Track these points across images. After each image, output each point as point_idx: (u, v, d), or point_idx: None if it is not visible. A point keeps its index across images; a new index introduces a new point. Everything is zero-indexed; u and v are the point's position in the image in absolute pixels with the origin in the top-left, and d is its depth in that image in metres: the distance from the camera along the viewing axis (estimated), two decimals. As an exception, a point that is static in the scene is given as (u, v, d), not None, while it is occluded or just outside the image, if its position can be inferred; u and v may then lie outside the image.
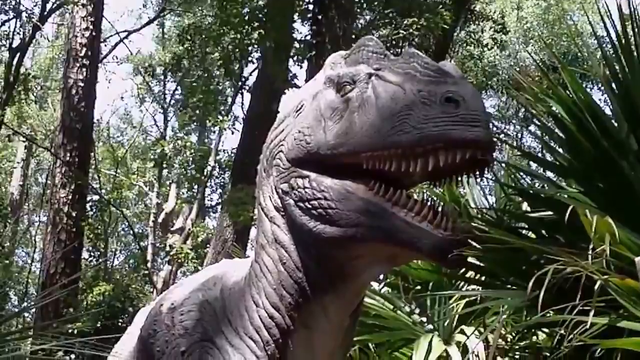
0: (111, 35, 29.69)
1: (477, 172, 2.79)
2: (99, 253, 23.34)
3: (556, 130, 4.82)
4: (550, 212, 4.62)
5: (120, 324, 14.63)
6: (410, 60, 2.86)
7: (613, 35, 4.63)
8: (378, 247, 2.94)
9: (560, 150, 4.89)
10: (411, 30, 15.10)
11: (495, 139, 2.73)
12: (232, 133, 21.76)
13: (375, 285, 6.25)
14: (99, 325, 13.96)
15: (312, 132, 3.04)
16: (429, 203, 2.83)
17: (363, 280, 3.17)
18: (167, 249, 26.72)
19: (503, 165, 5.71)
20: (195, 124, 29.55)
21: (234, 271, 3.57)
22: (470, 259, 4.86)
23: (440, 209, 2.82)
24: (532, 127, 22.49)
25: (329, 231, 2.92)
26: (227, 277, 3.56)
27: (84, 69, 17.18)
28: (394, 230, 2.78)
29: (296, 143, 3.10)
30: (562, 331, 3.87)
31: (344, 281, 3.09)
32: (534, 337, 5.25)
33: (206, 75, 20.65)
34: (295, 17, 16.35)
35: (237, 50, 16.20)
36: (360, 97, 2.90)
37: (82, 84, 17.07)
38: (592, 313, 3.57)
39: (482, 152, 2.66)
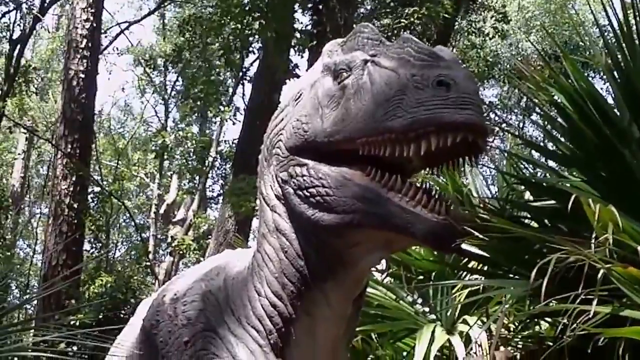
0: (112, 27, 29.65)
1: (472, 156, 2.81)
2: (100, 245, 23.37)
3: (558, 119, 4.82)
4: (552, 201, 4.62)
5: (122, 315, 14.62)
6: (404, 45, 2.88)
7: (615, 23, 4.62)
8: (374, 234, 2.96)
9: (562, 139, 4.89)
10: (412, 20, 15.07)
11: (487, 122, 2.74)
12: (234, 124, 21.86)
13: (377, 275, 6.24)
14: (101, 316, 13.95)
15: (310, 120, 3.07)
16: (424, 187, 2.84)
17: (362, 267, 3.18)
18: (169, 240, 26.71)
19: (505, 154, 5.70)
20: (196, 114, 29.49)
21: (237, 261, 3.59)
22: (472, 249, 4.88)
23: (435, 193, 2.83)
24: (534, 116, 22.43)
25: (327, 219, 2.94)
26: (230, 267, 3.57)
27: (84, 61, 17.15)
28: (389, 215, 2.80)
29: (294, 131, 3.12)
30: (565, 320, 3.87)
31: (344, 268, 3.11)
32: (537, 327, 5.25)
33: (207, 66, 20.59)
34: (296, 6, 16.31)
35: (237, 40, 16.17)
36: (356, 83, 2.92)
37: (82, 76, 17.03)
38: (595, 302, 3.57)
39: (474, 135, 2.67)
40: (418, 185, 2.85)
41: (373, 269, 6.22)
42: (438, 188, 2.94)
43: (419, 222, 2.73)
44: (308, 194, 3.00)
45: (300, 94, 3.25)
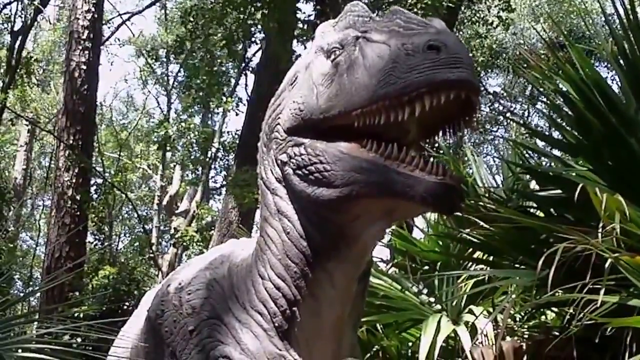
0: (113, 18, 29.58)
1: (467, 116, 2.83)
2: (103, 236, 23.38)
3: (564, 107, 4.81)
4: (559, 191, 4.62)
5: (126, 307, 14.63)
6: (393, 18, 2.93)
7: (621, 11, 4.61)
8: (373, 204, 2.97)
9: (568, 127, 4.88)
10: (416, 9, 15.01)
11: (477, 83, 2.77)
12: (236, 115, 21.89)
13: (382, 266, 6.23)
14: (104, 308, 13.95)
15: (305, 99, 3.10)
16: (420, 154, 2.88)
17: (364, 241, 3.17)
18: (172, 231, 26.74)
19: (510, 143, 5.70)
20: (198, 105, 29.49)
21: (241, 250, 3.62)
22: (478, 238, 4.87)
23: (431, 158, 2.84)
24: (539, 105, 22.48)
25: (326, 194, 2.96)
26: (234, 255, 3.60)
27: (86, 52, 17.08)
28: (387, 182, 2.82)
29: (291, 113, 3.16)
30: (572, 310, 3.87)
31: (347, 244, 3.11)
32: (543, 317, 5.25)
33: (209, 56, 20.56)
34: (299, -4, 16.27)
35: (240, 30, 16.13)
36: (349, 59, 2.96)
37: (84, 67, 16.96)
38: (602, 291, 3.56)
39: (466, 92, 2.69)
40: (414, 153, 2.87)
41: (378, 259, 6.23)
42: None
43: (417, 184, 2.74)
44: (307, 172, 3.03)
45: (296, 77, 3.29)
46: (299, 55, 15.59)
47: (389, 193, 2.83)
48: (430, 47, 2.67)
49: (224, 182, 28.72)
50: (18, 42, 20.94)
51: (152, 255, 25.93)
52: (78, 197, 16.40)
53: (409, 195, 2.77)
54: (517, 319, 5.28)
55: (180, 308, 3.53)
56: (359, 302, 3.44)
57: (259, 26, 16.03)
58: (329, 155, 2.96)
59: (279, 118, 3.26)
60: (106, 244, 23.54)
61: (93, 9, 17.41)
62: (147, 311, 3.88)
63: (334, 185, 2.93)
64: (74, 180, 16.50)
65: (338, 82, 2.96)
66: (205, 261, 3.71)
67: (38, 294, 16.84)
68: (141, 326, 3.96)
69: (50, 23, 32.75)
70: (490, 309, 5.10)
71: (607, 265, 3.60)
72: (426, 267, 5.96)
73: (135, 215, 33.25)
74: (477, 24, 21.64)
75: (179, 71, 32.15)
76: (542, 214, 4.83)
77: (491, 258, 5.11)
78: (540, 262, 3.75)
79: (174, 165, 32.65)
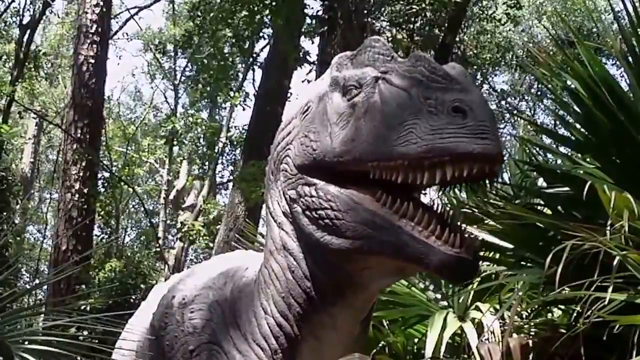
0: (121, 12, 29.67)
1: (486, 180, 2.72)
2: (110, 230, 23.43)
3: (572, 105, 4.80)
4: (566, 188, 4.60)
5: (132, 300, 14.67)
6: (417, 64, 2.78)
7: (630, 9, 4.60)
8: (386, 260, 2.90)
9: (576, 125, 4.87)
10: (424, 6, 14.98)
11: (503, 151, 2.65)
12: (244, 109, 21.90)
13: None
14: (111, 301, 13.98)
15: (318, 137, 3.01)
16: (436, 212, 2.79)
17: (372, 290, 3.15)
18: (179, 226, 26.80)
19: (518, 140, 5.69)
20: (206, 100, 29.53)
21: (245, 270, 3.57)
22: (485, 236, 4.86)
23: (448, 220, 2.77)
24: (546, 102, 22.41)
25: (336, 242, 2.89)
26: (237, 275, 3.57)
27: (94, 46, 17.11)
28: (401, 245, 2.72)
29: (302, 149, 3.07)
30: (579, 308, 3.86)
31: (353, 291, 3.07)
32: (550, 314, 5.24)
33: (216, 52, 20.57)
34: (307, -8, 16.25)
35: (249, 29, 16.12)
36: (367, 102, 2.85)
37: (92, 61, 16.99)
38: (610, 289, 3.55)
39: (491, 165, 2.59)
40: (429, 207, 2.81)
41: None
42: (450, 211, 2.85)
43: (432, 254, 2.65)
44: (317, 216, 2.95)
45: (308, 107, 3.18)
46: (307, 52, 15.60)
47: (402, 256, 2.76)
48: (455, 109, 2.56)
49: (231, 177, 28.79)
50: (27, 36, 20.99)
51: (158, 249, 25.97)
52: (85, 191, 16.43)
53: (423, 263, 2.70)
54: (524, 316, 5.27)
55: (182, 325, 3.55)
56: (360, 341, 3.41)
57: (267, 20, 16.02)
58: (340, 202, 2.88)
59: (288, 149, 3.17)
60: (113, 237, 23.61)
61: (101, 3, 17.44)
62: (152, 315, 3.90)
63: (345, 236, 2.86)
64: (81, 174, 16.53)
65: (355, 126, 2.84)
66: (210, 276, 3.70)
67: (45, 287, 16.86)
68: (148, 320, 3.97)
69: (58, 17, 32.79)
70: (497, 306, 5.10)
71: (615, 263, 3.59)
72: (433, 263, 5.94)
73: (142, 209, 33.41)
74: (485, 20, 21.60)
75: (187, 66, 32.24)
76: (549, 212, 4.82)
77: (498, 255, 5.10)
78: (548, 260, 3.74)
79: (181, 160, 32.73)
